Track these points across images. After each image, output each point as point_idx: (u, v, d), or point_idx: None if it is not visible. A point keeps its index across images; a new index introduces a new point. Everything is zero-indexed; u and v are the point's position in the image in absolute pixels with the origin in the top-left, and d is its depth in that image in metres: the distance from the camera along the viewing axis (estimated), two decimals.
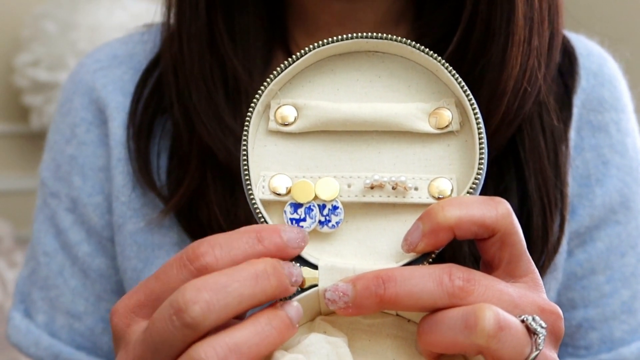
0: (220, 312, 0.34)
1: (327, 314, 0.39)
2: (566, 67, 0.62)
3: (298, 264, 0.37)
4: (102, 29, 2.00)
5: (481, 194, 0.39)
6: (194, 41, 0.57)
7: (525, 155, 0.57)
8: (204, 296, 0.34)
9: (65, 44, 2.03)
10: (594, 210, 0.61)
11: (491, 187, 0.57)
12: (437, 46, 0.56)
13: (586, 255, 0.61)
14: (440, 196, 0.39)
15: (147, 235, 0.61)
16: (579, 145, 0.62)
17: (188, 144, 0.58)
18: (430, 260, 0.38)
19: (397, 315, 0.39)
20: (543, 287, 0.39)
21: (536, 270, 0.39)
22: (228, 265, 0.35)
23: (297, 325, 0.37)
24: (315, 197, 0.39)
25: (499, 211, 0.37)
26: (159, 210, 0.60)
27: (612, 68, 0.65)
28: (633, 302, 0.62)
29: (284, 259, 0.37)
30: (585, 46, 0.65)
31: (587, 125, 0.62)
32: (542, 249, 0.57)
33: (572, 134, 0.61)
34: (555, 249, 0.58)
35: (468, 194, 0.38)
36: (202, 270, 0.36)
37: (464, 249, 0.55)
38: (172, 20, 0.60)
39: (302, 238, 0.37)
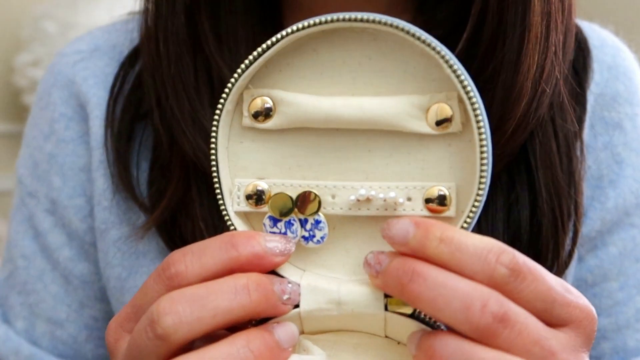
0: (192, 324, 0.32)
1: (310, 333, 0.36)
2: (579, 61, 0.58)
3: (296, 282, 0.34)
4: None
5: (490, 205, 0.35)
6: (171, 41, 0.53)
7: (537, 164, 0.53)
8: (177, 308, 0.32)
9: (65, 44, 2.01)
10: (606, 214, 0.58)
11: (501, 197, 0.53)
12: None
13: (597, 260, 0.58)
14: (438, 207, 0.35)
15: (131, 243, 0.58)
16: (592, 144, 0.58)
17: (169, 152, 0.54)
18: None
19: (386, 337, 0.36)
20: (593, 331, 0.35)
21: (584, 312, 0.34)
22: (198, 273, 0.33)
23: (290, 349, 0.34)
24: (295, 211, 0.36)
25: (495, 275, 0.33)
26: (144, 216, 0.57)
27: (628, 60, 0.61)
28: None
29: (264, 267, 0.34)
30: (598, 36, 0.61)
31: (600, 122, 0.59)
32: (553, 264, 0.53)
33: (585, 132, 0.58)
34: (567, 264, 0.55)
35: (469, 218, 0.34)
36: (173, 279, 0.34)
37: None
38: (150, 12, 0.55)
39: (286, 247, 0.34)
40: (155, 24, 0.54)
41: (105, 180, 0.58)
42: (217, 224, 0.54)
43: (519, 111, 0.49)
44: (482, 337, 0.32)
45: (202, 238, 0.52)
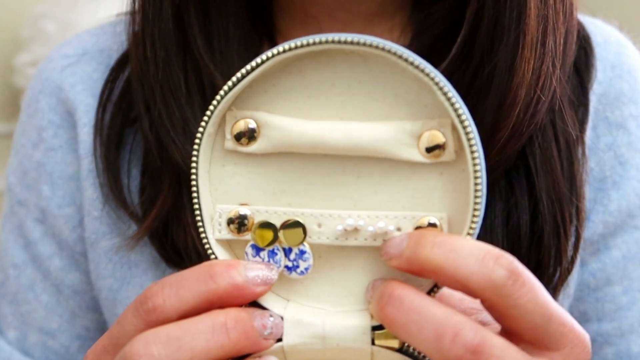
0: None
1: None
2: (582, 59, 0.57)
3: (278, 315, 0.33)
4: None
5: (489, 210, 0.34)
6: (159, 46, 0.51)
7: (537, 169, 0.52)
8: (151, 350, 0.31)
9: None
10: (609, 217, 0.57)
11: (500, 202, 0.51)
12: (436, 44, 0.52)
13: (600, 264, 0.57)
14: None
15: (122, 252, 0.57)
16: (595, 145, 0.57)
17: (159, 160, 0.53)
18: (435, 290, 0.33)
19: None
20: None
21: (577, 339, 0.33)
22: (176, 307, 0.32)
23: None
24: (279, 240, 0.34)
25: (493, 277, 0.31)
26: (135, 226, 0.55)
27: (632, 57, 0.59)
28: None
29: (245, 299, 0.33)
30: (601, 33, 0.59)
31: (603, 122, 0.57)
32: (554, 271, 0.52)
33: (588, 133, 0.56)
34: (569, 270, 0.53)
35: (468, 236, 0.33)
36: (150, 313, 0.33)
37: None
38: (136, 16, 0.54)
39: (268, 276, 0.33)
40: (142, 28, 0.52)
41: (94, 190, 0.57)
42: None
43: (514, 118, 0.48)
44: None
45: (195, 247, 0.52)
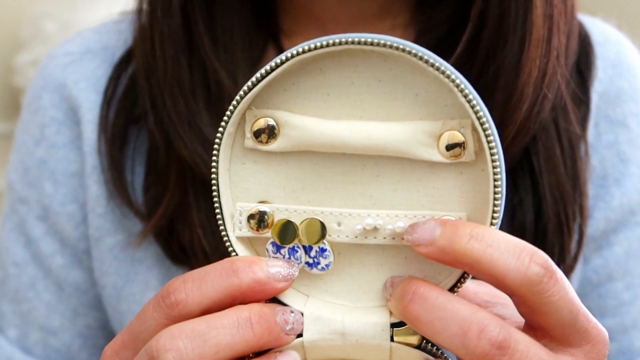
0: None
1: None
2: (582, 58, 0.57)
3: (299, 311, 0.34)
4: None
5: None
6: (167, 43, 0.52)
7: (540, 167, 0.52)
8: (177, 344, 0.32)
9: None
10: (611, 213, 0.57)
11: (504, 200, 0.52)
12: (440, 45, 0.52)
13: (602, 260, 0.57)
14: None
15: (127, 250, 0.57)
16: (596, 143, 0.57)
17: (166, 157, 0.53)
18: (462, 281, 0.33)
19: None
20: (604, 357, 0.33)
21: (599, 337, 0.33)
22: (199, 301, 0.32)
23: None
24: (299, 238, 0.34)
25: (529, 273, 0.31)
26: (139, 222, 0.56)
27: (631, 55, 0.60)
28: None
29: (267, 294, 0.33)
30: (601, 32, 0.60)
31: (604, 120, 0.58)
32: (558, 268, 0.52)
33: (590, 131, 0.57)
34: (572, 267, 0.54)
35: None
36: (173, 307, 0.33)
37: None
38: (144, 12, 0.54)
39: (290, 272, 0.33)
40: (151, 25, 0.53)
41: (99, 187, 0.57)
42: (215, 230, 0.53)
43: (520, 116, 0.48)
44: None
45: (200, 245, 0.52)
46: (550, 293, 0.31)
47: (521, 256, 0.31)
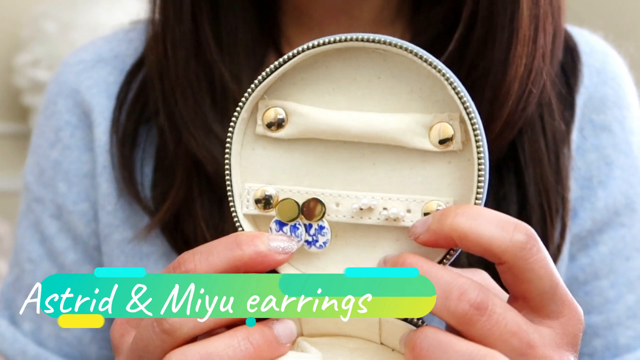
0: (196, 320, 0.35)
1: (308, 335, 0.37)
2: (569, 65, 0.60)
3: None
4: (102, 29, 1.98)
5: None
6: (178, 47, 0.55)
7: (526, 160, 0.55)
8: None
9: (65, 44, 2.02)
10: (597, 214, 0.59)
11: (490, 194, 0.54)
12: (434, 44, 0.54)
13: (589, 259, 0.59)
14: None
15: (135, 244, 0.59)
16: (582, 146, 0.60)
17: (174, 154, 0.56)
18: (448, 257, 0.36)
19: (382, 344, 0.37)
20: (579, 332, 0.36)
21: (574, 311, 0.36)
22: (206, 270, 0.35)
23: (288, 345, 0.36)
24: (301, 217, 0.37)
25: (513, 240, 0.34)
26: (147, 219, 0.58)
27: (616, 64, 0.62)
28: (639, 307, 0.59)
29: (267, 266, 0.36)
30: (588, 42, 0.62)
31: (589, 125, 0.60)
32: None
33: (574, 134, 0.59)
34: (555, 257, 0.56)
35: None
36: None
37: (462, 259, 0.53)
38: (156, 20, 0.57)
39: (289, 246, 0.36)
40: (163, 31, 0.56)
41: (109, 185, 0.60)
42: (218, 224, 0.55)
43: (507, 110, 0.51)
44: (460, 325, 0.34)
45: (204, 238, 0.55)
46: (533, 260, 0.34)
47: (505, 226, 0.34)
